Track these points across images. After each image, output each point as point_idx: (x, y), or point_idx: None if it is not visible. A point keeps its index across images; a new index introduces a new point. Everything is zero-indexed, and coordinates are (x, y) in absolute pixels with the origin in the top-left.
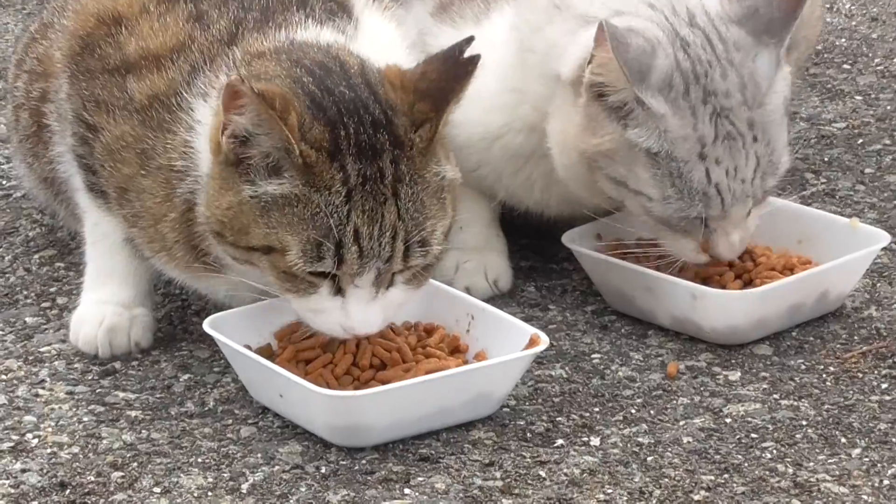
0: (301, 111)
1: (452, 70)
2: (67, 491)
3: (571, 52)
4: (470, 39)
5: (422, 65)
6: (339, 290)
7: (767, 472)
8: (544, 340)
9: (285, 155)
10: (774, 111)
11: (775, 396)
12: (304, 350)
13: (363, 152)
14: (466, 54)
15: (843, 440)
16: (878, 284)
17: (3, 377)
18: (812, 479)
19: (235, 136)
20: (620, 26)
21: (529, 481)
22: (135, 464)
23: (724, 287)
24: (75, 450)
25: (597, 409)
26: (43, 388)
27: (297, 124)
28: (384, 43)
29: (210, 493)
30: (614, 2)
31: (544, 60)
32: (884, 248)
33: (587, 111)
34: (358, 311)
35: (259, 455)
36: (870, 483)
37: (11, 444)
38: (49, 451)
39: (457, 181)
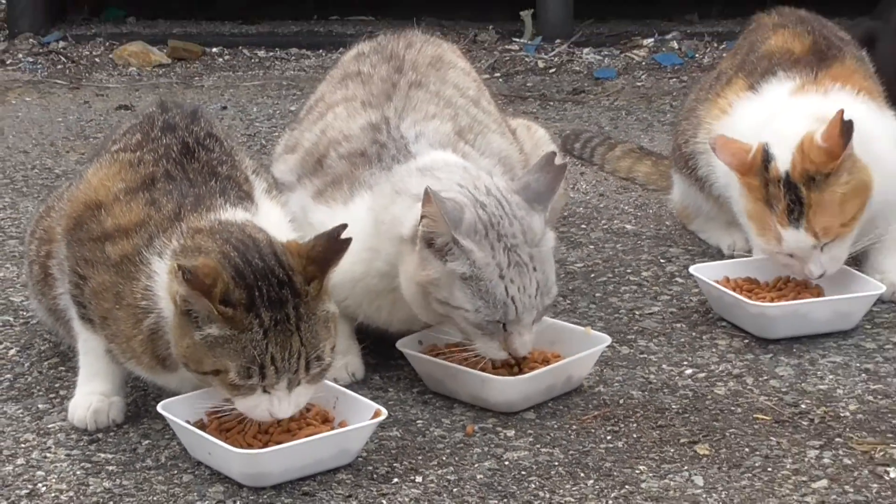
0: (227, 280)
1: (333, 246)
2: None
3: (409, 218)
4: (344, 226)
5: (313, 239)
6: (265, 391)
7: (533, 497)
8: (384, 413)
9: (209, 314)
10: (546, 253)
11: (538, 446)
12: (225, 422)
13: (273, 304)
14: (343, 236)
15: (582, 474)
16: (605, 370)
17: (23, 445)
18: (562, 502)
19: (182, 299)
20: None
21: None
22: (111, 503)
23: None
24: (71, 493)
25: (420, 458)
26: (49, 452)
27: (220, 291)
28: (274, 219)
29: None
30: (435, 186)
31: (391, 228)
32: (608, 346)
33: (420, 254)
34: (278, 405)
35: (195, 493)
36: (600, 503)
37: (28, 491)
38: (53, 495)
39: (336, 313)
